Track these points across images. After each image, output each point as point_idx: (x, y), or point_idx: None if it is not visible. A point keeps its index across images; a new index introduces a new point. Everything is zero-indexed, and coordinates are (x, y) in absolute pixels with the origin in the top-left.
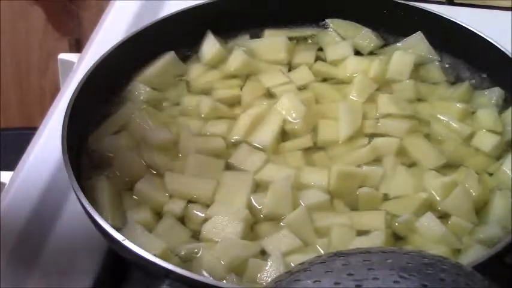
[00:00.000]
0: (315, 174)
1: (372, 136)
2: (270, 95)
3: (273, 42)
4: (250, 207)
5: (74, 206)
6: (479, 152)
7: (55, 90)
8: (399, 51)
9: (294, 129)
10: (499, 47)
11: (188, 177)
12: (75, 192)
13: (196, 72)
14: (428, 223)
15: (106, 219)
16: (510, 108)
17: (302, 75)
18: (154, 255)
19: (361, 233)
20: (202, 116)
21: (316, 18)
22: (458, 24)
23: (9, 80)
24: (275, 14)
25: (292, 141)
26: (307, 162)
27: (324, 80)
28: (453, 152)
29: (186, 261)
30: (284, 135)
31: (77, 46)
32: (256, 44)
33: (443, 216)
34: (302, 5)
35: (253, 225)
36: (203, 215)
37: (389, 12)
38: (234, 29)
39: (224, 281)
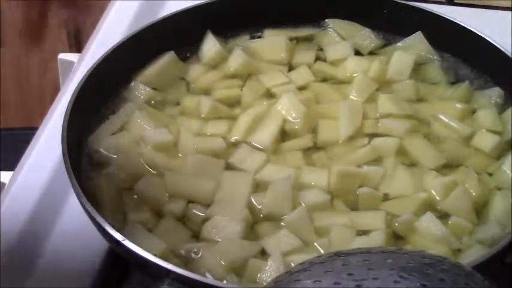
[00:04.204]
0: (315, 174)
1: (372, 136)
2: (270, 95)
3: (273, 42)
4: (250, 207)
5: (74, 206)
6: (479, 152)
7: (55, 90)
8: (399, 51)
9: (294, 129)
10: (499, 47)
11: (188, 177)
12: (75, 192)
13: (196, 72)
14: (428, 223)
15: (106, 219)
16: (510, 108)
17: (302, 75)
18: (155, 255)
19: (361, 233)
20: (202, 116)
21: (316, 18)
22: (458, 24)
23: (9, 80)
24: (275, 14)
25: (292, 141)
26: (307, 162)
27: (324, 80)
28: (453, 152)
29: (186, 261)
30: (284, 135)
31: (77, 46)
32: (256, 44)
33: (443, 216)
34: (302, 5)
35: (253, 225)
36: (203, 215)
37: (389, 12)
38: (234, 29)
39: (224, 281)
